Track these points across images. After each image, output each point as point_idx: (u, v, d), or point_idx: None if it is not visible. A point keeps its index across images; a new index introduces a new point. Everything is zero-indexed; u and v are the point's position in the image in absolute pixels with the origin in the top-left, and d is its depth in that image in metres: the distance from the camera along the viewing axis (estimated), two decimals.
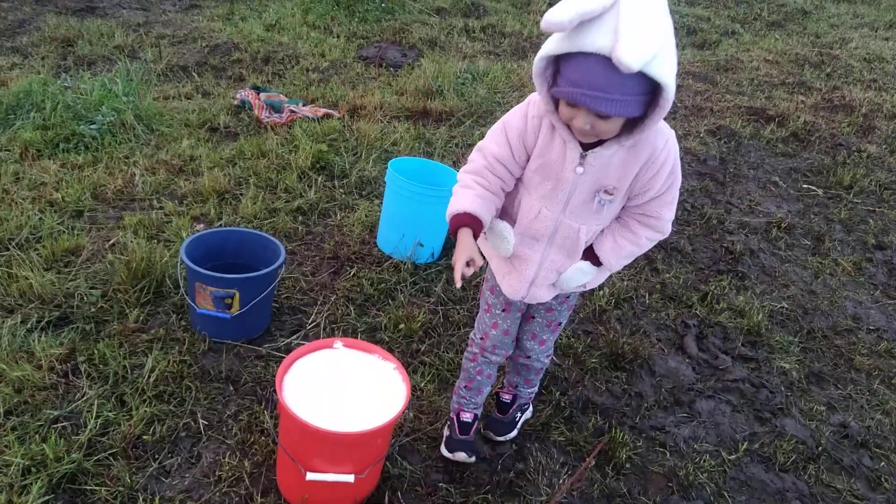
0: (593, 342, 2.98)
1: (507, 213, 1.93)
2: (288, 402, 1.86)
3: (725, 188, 4.54)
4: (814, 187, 4.69)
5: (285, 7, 7.29)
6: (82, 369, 2.40)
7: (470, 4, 8.06)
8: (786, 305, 3.42)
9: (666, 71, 1.42)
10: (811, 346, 3.18)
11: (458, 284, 1.74)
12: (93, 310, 2.68)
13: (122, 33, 6.09)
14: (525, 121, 1.73)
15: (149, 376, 2.40)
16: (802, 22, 8.88)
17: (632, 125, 1.57)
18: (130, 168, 3.79)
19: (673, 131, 1.70)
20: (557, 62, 1.52)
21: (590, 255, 1.89)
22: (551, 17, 1.37)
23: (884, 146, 5.35)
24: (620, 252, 1.85)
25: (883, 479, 2.51)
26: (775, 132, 5.39)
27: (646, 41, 1.35)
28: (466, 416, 2.28)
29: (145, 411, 2.27)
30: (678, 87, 6.17)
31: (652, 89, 1.47)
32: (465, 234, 1.76)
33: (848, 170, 4.85)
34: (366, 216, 3.59)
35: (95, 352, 2.46)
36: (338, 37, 6.65)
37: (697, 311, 3.27)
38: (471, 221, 1.76)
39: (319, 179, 3.90)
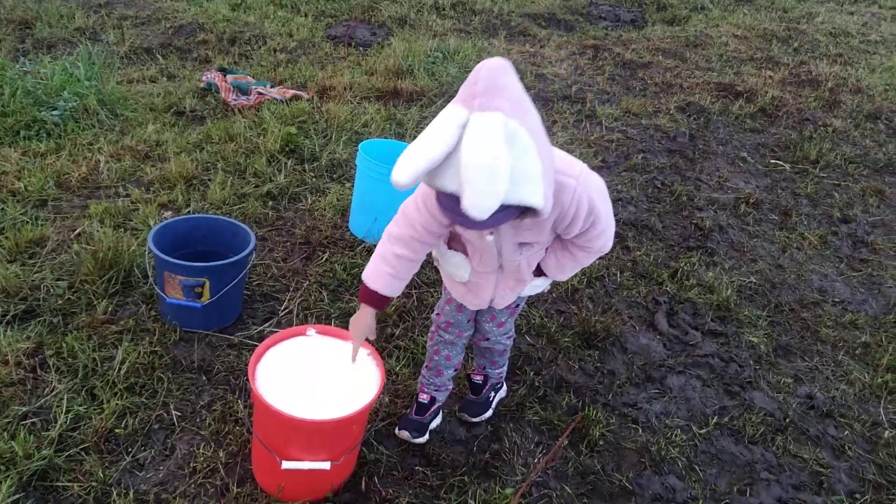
0: (566, 321, 3.00)
1: (460, 242, 1.94)
2: (261, 392, 1.85)
3: (695, 165, 4.59)
4: (781, 162, 4.75)
5: None
6: (50, 363, 2.36)
7: None
8: (754, 280, 3.48)
9: (526, 193, 1.36)
10: (778, 319, 3.25)
11: (354, 361, 1.98)
12: (60, 302, 2.63)
13: (83, 15, 5.92)
14: None
15: (119, 368, 2.37)
16: None
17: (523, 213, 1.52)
18: (95, 155, 3.70)
19: (580, 169, 1.66)
20: None
21: (540, 270, 1.99)
22: (395, 177, 1.40)
23: (849, 120, 5.44)
24: (564, 269, 1.95)
25: (847, 448, 2.58)
26: (743, 108, 5.44)
27: (488, 191, 1.30)
28: (423, 398, 2.33)
29: (117, 404, 2.25)
30: (648, 63, 6.20)
31: None
32: (367, 313, 1.93)
33: (814, 144, 4.92)
34: (337, 200, 3.56)
35: (64, 345, 2.43)
36: (305, 16, 6.54)
37: (668, 288, 3.32)
38: (377, 302, 1.91)
39: (289, 163, 3.86)
